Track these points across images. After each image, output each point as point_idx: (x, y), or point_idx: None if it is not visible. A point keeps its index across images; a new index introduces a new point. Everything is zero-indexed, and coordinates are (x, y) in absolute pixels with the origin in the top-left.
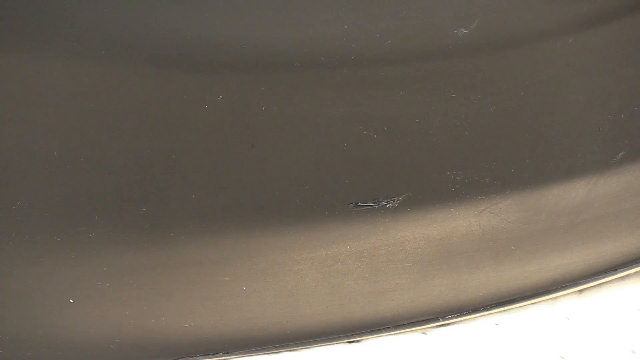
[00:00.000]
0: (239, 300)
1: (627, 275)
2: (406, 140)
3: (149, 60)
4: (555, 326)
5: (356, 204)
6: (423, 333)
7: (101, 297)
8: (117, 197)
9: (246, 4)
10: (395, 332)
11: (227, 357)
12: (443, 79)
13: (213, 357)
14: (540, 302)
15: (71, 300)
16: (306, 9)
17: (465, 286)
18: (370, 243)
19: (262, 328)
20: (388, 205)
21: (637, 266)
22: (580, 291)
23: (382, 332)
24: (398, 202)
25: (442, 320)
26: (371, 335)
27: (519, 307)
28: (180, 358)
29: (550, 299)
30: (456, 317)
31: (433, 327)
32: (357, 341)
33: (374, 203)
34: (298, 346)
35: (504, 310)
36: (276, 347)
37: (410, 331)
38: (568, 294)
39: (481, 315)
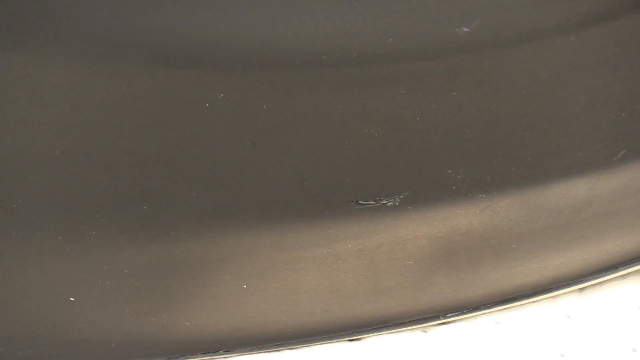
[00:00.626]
0: (239, 299)
1: (627, 274)
2: (407, 139)
3: (149, 59)
4: (555, 324)
5: (357, 202)
6: (424, 331)
7: (102, 295)
8: (117, 195)
9: (247, 3)
10: (396, 330)
11: (228, 356)
12: (444, 77)
13: (214, 356)
14: (541, 300)
15: (72, 299)
16: (307, 8)
17: (466, 284)
18: (371, 241)
19: (263, 326)
20: (389, 204)
21: (638, 264)
22: (581, 289)
23: (383, 331)
24: (399, 200)
25: (443, 319)
26: (372, 333)
27: (520, 305)
28: (181, 356)
29: (551, 297)
30: (457, 316)
31: (434, 325)
32: (358, 339)
33: (375, 201)
34: (298, 344)
35: (505, 309)
36: (277, 346)
37: (411, 329)
38: (569, 292)
39: (482, 314)
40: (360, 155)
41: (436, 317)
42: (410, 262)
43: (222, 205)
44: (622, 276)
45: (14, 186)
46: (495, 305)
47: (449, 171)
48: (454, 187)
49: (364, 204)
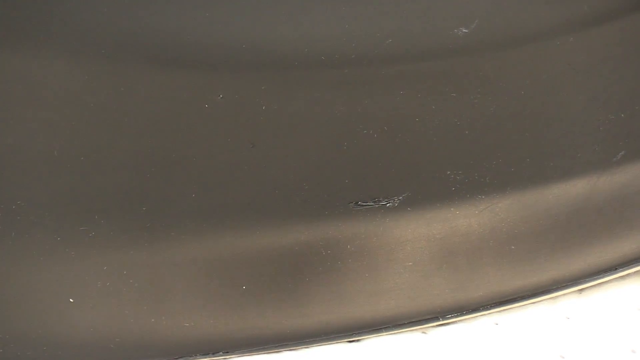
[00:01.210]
0: (239, 300)
1: (627, 275)
2: (406, 140)
3: (149, 60)
4: (555, 326)
5: (356, 203)
6: (423, 332)
7: (101, 296)
8: (117, 196)
9: (246, 4)
10: (395, 331)
11: (227, 357)
12: (443, 78)
13: (213, 357)
14: (540, 301)
15: (71, 300)
16: (306, 9)
17: (466, 286)
18: (370, 242)
19: (263, 327)
20: (388, 205)
21: (638, 265)
22: (581, 291)
23: (382, 332)
24: (398, 201)
25: (442, 320)
26: (371, 334)
27: (519, 306)
28: (180, 357)
29: (551, 298)
30: (456, 317)
31: (433, 326)
32: (357, 341)
33: (374, 202)
34: (298, 346)
35: (504, 310)
36: (276, 347)
37: (410, 331)
38: (568, 293)
39: (481, 315)
40: (359, 156)
41: (435, 319)
42: (410, 263)
43: (221, 206)
44: (622, 277)
45: (14, 187)
46: (494, 307)
47: (448, 172)
48: (453, 188)
49: (363, 205)
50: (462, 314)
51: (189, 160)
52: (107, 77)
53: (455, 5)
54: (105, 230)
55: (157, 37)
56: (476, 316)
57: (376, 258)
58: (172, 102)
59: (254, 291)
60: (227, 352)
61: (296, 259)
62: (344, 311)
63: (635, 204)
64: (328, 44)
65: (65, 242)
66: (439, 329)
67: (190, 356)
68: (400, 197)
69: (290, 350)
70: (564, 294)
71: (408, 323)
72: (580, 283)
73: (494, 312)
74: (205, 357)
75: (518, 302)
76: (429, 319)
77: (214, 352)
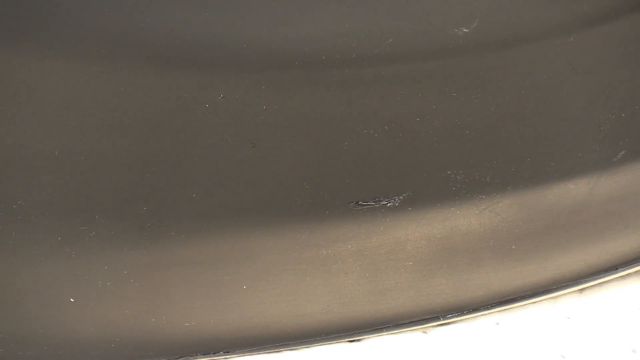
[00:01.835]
0: (239, 299)
1: (627, 275)
2: (407, 140)
3: (149, 60)
4: (556, 325)
5: (357, 203)
6: (424, 332)
7: (102, 296)
8: (117, 196)
9: (246, 4)
10: (395, 331)
11: (228, 356)
12: (444, 78)
13: (214, 356)
14: (540, 301)
15: (72, 299)
16: (307, 8)
17: (466, 285)
18: (371, 242)
19: (263, 327)
20: (389, 205)
21: (638, 265)
22: (581, 290)
23: (383, 332)
24: (399, 201)
25: (443, 320)
26: (372, 334)
27: (520, 306)
28: (181, 357)
29: (551, 298)
30: (457, 316)
31: (434, 326)
32: (358, 340)
33: (374, 202)
34: (298, 345)
35: (505, 310)
36: (277, 346)
37: (410, 330)
38: (568, 293)
39: (482, 315)
40: (360, 156)
41: (436, 318)
42: (410, 263)
43: (221, 206)
44: (622, 277)
45: (14, 187)
46: (495, 306)
47: (449, 172)
48: (454, 188)
49: (363, 205)
50: (462, 314)
51: (189, 160)
52: (107, 77)
53: (456, 5)
54: (106, 230)
55: (157, 37)
56: (477, 316)
57: (377, 258)
58: (172, 102)
59: (254, 291)
60: (227, 352)
61: (297, 259)
62: (345, 311)
63: (635, 204)
64: (328, 44)
65: (66, 242)
66: (439, 329)
67: (190, 356)
68: (401, 197)
69: (290, 350)
70: (565, 294)
71: (409, 323)
72: (581, 283)
73: (494, 312)
74: (205, 357)
75: (519, 302)
76: (429, 318)
77: (214, 352)
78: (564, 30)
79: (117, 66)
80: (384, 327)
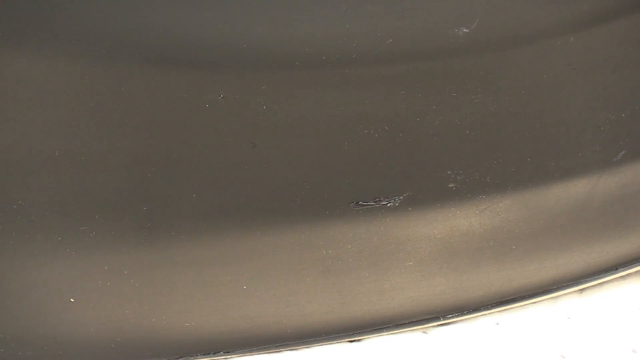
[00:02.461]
0: (239, 300)
1: (627, 275)
2: (407, 140)
3: (149, 60)
4: (556, 325)
5: (357, 203)
6: (424, 332)
7: (102, 296)
8: (117, 196)
9: (247, 4)
10: (396, 331)
11: (228, 356)
12: (444, 78)
13: (214, 357)
14: (541, 301)
15: (72, 299)
16: (307, 8)
17: (466, 285)
18: (371, 242)
19: (263, 327)
20: (389, 205)
21: (638, 265)
22: (581, 290)
23: (383, 332)
24: (399, 201)
25: (443, 320)
26: (372, 334)
27: (520, 306)
28: (181, 357)
29: (551, 298)
30: (457, 317)
31: (434, 326)
32: (358, 340)
33: (374, 202)
34: (299, 345)
35: (505, 310)
36: (277, 347)
37: (411, 330)
38: (569, 293)
39: (482, 315)
40: (360, 156)
41: (436, 318)
42: (410, 263)
43: (222, 206)
44: (623, 277)
45: (14, 187)
46: (495, 306)
47: (449, 172)
48: (454, 188)
49: (363, 205)
50: (463, 314)
51: (189, 160)
52: (107, 77)
53: (456, 5)
54: (106, 230)
55: (157, 37)
56: (477, 316)
57: (377, 258)
58: (173, 102)
59: (254, 291)
60: (227, 352)
61: (297, 259)
62: (345, 311)
63: (635, 204)
64: (328, 44)
65: (66, 242)
66: (439, 329)
67: (191, 356)
68: (401, 197)
69: (290, 350)
70: (565, 294)
71: (409, 323)
72: (581, 283)
73: (494, 312)
74: (206, 357)
75: (519, 302)
76: (429, 318)
77: (214, 352)
78: (564, 30)
79: (117, 66)
80: (384, 327)
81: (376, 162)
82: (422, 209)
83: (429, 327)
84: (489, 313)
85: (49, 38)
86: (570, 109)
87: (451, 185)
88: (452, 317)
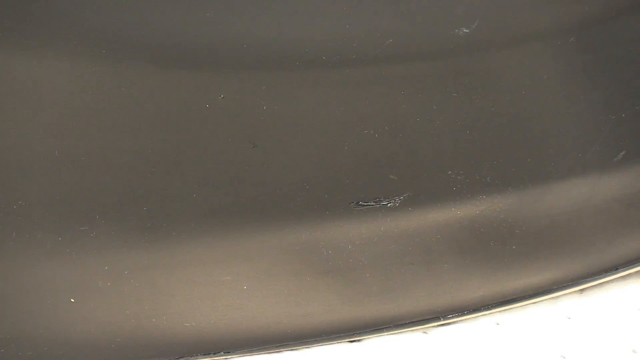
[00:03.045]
0: (240, 300)
1: (628, 275)
2: (407, 140)
3: (149, 60)
4: (556, 325)
5: (357, 203)
6: (424, 332)
7: (102, 296)
8: (118, 196)
9: (247, 4)
10: (396, 331)
11: (228, 357)
12: (444, 78)
13: (214, 357)
14: (541, 301)
15: (72, 300)
16: (307, 9)
17: (466, 285)
18: (371, 242)
19: (263, 327)
20: (389, 205)
21: (638, 265)
22: (581, 291)
23: (383, 332)
24: (399, 201)
25: (443, 320)
26: (372, 334)
27: (520, 306)
28: (181, 357)
29: (551, 298)
30: (457, 317)
31: (434, 326)
32: (358, 340)
33: (375, 202)
34: (299, 345)
35: (505, 310)
36: (277, 347)
37: (411, 330)
38: (569, 293)
39: (482, 315)
40: (360, 156)
41: (436, 318)
42: (410, 263)
43: (222, 206)
44: (623, 277)
45: (14, 187)
46: (495, 307)
47: (449, 172)
48: (454, 188)
49: (364, 205)
50: (463, 314)
51: (190, 160)
52: (107, 77)
53: (456, 5)
54: (106, 231)
55: (157, 37)
56: (477, 316)
57: (377, 258)
58: (173, 102)
59: (254, 291)
60: (228, 352)
61: (297, 259)
62: (345, 311)
63: (635, 204)
64: (328, 44)
65: (66, 242)
66: (440, 329)
67: (191, 356)
68: (401, 197)
69: (290, 350)
70: (565, 294)
71: (409, 323)
72: (581, 283)
73: (495, 312)
74: (206, 357)
75: (519, 302)
76: (430, 318)
77: (214, 352)
78: (565, 30)
79: (117, 66)
80: (385, 327)
81: (376, 162)
82: (422, 209)
83: (429, 327)
84: (489, 313)
85: (50, 38)
86: (570, 109)
87: (451, 185)
88: (452, 317)
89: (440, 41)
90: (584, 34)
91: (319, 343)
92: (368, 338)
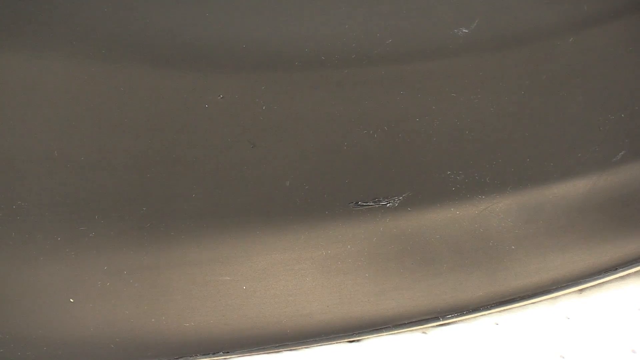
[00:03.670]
0: (239, 300)
1: (627, 275)
2: (406, 140)
3: (149, 60)
4: (555, 326)
5: (356, 203)
6: (423, 332)
7: (101, 296)
8: (117, 196)
9: (246, 4)
10: (395, 331)
11: (228, 357)
12: (443, 78)
13: (213, 357)
14: (540, 301)
15: (71, 300)
16: (306, 9)
17: (466, 286)
18: (371, 242)
19: (263, 327)
20: (388, 205)
21: (637, 266)
22: (581, 291)
23: (382, 332)
24: (398, 201)
25: (443, 320)
26: (371, 334)
27: (519, 306)
28: (181, 357)
29: (551, 298)
30: (456, 317)
31: (433, 326)
32: (357, 341)
33: (374, 202)
34: (298, 346)
35: (504, 310)
36: (276, 347)
37: (410, 331)
38: (568, 293)
39: (481, 315)
40: (359, 157)
41: (436, 318)
42: (410, 263)
43: (221, 206)
44: (622, 277)
45: (14, 187)
46: (494, 307)
47: (449, 172)
48: (454, 188)
49: (363, 205)
50: (462, 314)
51: (189, 160)
52: (107, 77)
53: (456, 6)
54: (105, 231)
55: (157, 37)
56: (476, 316)
57: (376, 258)
58: (172, 103)
59: (254, 291)
60: (227, 352)
61: (296, 259)
62: (345, 311)
63: (635, 204)
64: (328, 44)
65: (66, 242)
66: (439, 329)
67: (190, 356)
68: (401, 197)
69: (290, 350)
70: (564, 294)
71: (408, 323)
72: (581, 283)
73: (494, 312)
74: (205, 357)
75: (518, 302)
76: (429, 319)
77: (214, 352)
78: (564, 30)
79: (117, 66)
80: (384, 328)
81: (375, 163)
82: (421, 209)
83: (429, 327)
84: (489, 313)
85: (49, 38)
86: (570, 109)
87: (450, 185)
88: (452, 317)
89: (440, 41)
90: (584, 34)
91: (318, 343)
92: (367, 338)
